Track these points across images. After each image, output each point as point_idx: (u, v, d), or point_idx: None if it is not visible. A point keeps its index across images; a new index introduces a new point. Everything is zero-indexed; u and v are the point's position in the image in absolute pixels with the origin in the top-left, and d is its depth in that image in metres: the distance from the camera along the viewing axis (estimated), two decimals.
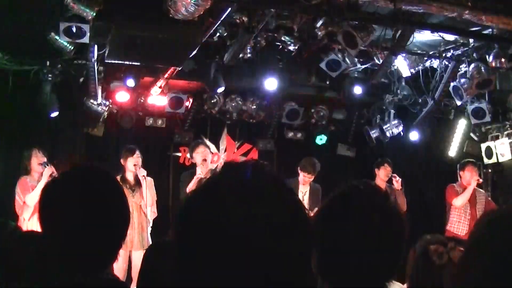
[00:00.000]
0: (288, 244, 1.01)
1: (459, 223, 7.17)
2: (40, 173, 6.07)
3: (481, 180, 7.56)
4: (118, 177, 6.46)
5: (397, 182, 7.37)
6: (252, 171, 1.08)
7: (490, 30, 6.16)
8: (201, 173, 6.43)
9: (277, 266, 0.99)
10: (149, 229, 6.55)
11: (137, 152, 6.52)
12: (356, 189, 1.63)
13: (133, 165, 6.45)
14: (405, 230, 1.57)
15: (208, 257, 1.00)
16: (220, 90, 7.69)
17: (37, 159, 6.11)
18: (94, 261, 1.62)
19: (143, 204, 6.45)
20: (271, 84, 7.54)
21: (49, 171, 5.97)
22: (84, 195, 1.64)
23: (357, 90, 7.98)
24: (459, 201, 7.15)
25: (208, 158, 6.65)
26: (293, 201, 1.07)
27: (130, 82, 7.39)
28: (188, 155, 8.12)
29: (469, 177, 7.17)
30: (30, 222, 5.84)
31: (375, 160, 7.69)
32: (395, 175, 7.40)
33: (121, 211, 1.70)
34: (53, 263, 1.64)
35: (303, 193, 7.12)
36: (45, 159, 6.12)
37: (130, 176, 6.54)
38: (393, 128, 8.65)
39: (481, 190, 7.49)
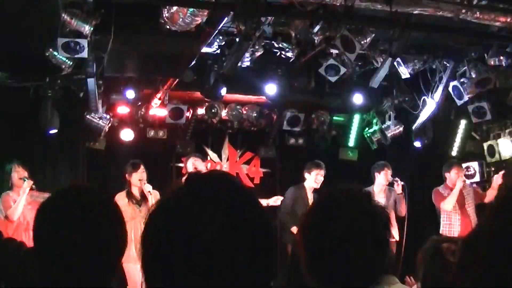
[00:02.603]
0: (252, 252, 1.02)
1: (450, 225, 7.12)
2: (21, 188, 6.08)
3: (468, 181, 7.55)
4: (124, 192, 6.48)
5: (398, 186, 7.32)
6: (217, 181, 1.09)
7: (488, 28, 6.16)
8: None
9: (241, 272, 1.01)
10: None
11: (142, 167, 6.57)
12: (339, 192, 1.67)
13: (138, 180, 6.49)
14: (389, 231, 1.62)
15: (174, 267, 1.01)
16: (219, 99, 7.71)
17: (17, 174, 6.14)
18: (88, 281, 1.61)
19: None
20: (270, 89, 7.56)
21: (28, 185, 6.01)
22: (79, 215, 1.63)
23: (357, 99, 8.05)
24: (447, 204, 7.10)
25: (199, 168, 6.77)
26: (257, 210, 1.08)
27: (130, 94, 7.42)
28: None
29: (455, 178, 7.16)
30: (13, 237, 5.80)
31: None
32: (397, 179, 7.35)
33: (116, 231, 1.69)
34: (46, 281, 1.63)
35: (310, 199, 7.10)
36: (25, 174, 6.14)
37: (135, 191, 6.56)
38: (394, 130, 8.64)
39: (466, 185, 7.43)
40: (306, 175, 7.21)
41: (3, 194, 6.11)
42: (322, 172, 7.18)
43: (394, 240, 7.02)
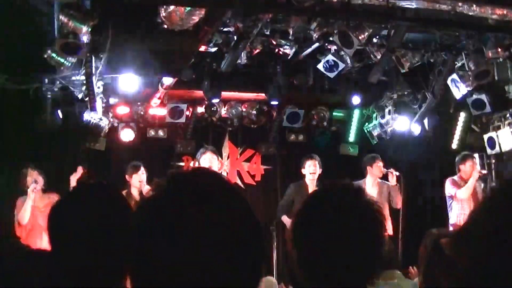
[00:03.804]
0: (237, 247, 1.01)
1: (464, 215, 7.10)
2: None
3: (484, 172, 7.59)
4: (124, 192, 6.49)
5: (393, 177, 7.24)
6: (203, 178, 1.09)
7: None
8: None
9: (228, 268, 1.00)
10: None
11: (142, 169, 6.60)
12: (329, 189, 1.67)
13: (138, 181, 6.53)
14: (381, 226, 1.58)
15: (162, 262, 1.00)
16: (217, 99, 7.73)
17: (31, 177, 6.14)
18: (105, 278, 1.60)
19: None
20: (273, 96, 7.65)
21: (32, 188, 6.01)
22: (93, 211, 1.64)
23: (355, 100, 8.13)
24: (463, 193, 7.15)
25: (214, 165, 6.66)
26: (243, 206, 1.08)
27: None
28: (191, 164, 8.13)
29: (470, 170, 7.23)
30: (27, 241, 5.77)
31: None
32: (391, 169, 7.26)
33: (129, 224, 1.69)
34: (62, 281, 1.63)
35: None
36: (39, 177, 6.15)
37: (135, 192, 6.60)
38: (394, 124, 8.64)
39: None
40: (303, 170, 7.21)
41: (18, 199, 6.13)
42: (315, 162, 7.15)
43: (387, 234, 6.98)
